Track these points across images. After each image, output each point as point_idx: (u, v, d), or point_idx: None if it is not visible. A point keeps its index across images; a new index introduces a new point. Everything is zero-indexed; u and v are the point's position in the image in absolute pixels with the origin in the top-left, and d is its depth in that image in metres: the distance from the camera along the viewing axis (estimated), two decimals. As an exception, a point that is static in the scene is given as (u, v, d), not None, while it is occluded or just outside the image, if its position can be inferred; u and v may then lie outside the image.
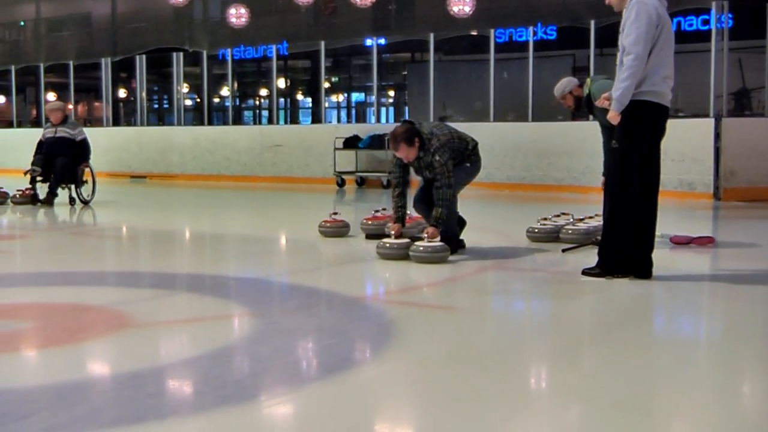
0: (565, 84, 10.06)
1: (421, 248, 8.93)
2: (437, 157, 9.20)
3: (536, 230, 10.19)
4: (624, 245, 7.79)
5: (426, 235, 9.06)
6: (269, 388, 4.90)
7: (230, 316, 6.78)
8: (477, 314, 7.01)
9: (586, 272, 7.97)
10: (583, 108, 10.04)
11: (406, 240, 9.20)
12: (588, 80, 10.03)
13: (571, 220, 10.31)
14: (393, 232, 9.37)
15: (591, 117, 10.20)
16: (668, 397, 4.72)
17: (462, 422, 4.21)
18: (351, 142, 20.63)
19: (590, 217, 10.33)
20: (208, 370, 5.25)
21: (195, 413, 4.48)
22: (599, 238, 9.75)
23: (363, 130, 21.01)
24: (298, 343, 6.06)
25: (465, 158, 9.69)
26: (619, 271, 7.81)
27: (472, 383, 4.93)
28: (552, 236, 10.18)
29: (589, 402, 4.56)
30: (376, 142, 20.01)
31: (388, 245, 9.18)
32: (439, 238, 9.04)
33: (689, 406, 4.54)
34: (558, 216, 10.20)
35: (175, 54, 25.92)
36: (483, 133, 19.05)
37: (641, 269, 7.82)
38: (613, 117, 7.65)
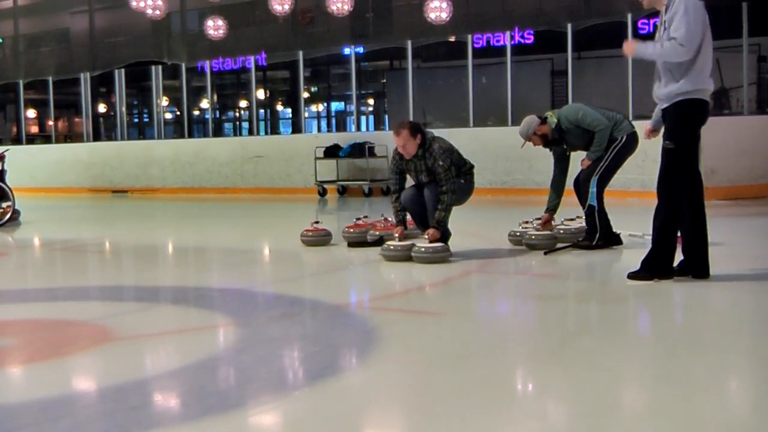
0: (527, 127, 9.96)
1: (423, 249, 9.12)
2: (440, 162, 9.40)
3: (518, 234, 10.16)
4: (673, 247, 7.75)
5: (427, 237, 9.24)
6: (254, 397, 4.89)
7: (214, 327, 6.77)
8: (461, 318, 7.00)
9: (632, 276, 7.78)
10: (554, 140, 9.97)
11: (410, 242, 9.38)
12: (549, 113, 10.04)
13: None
14: (397, 235, 9.57)
15: (559, 149, 10.13)
16: (654, 395, 4.73)
17: (447, 426, 4.21)
18: (331, 151, 20.61)
19: (571, 220, 10.33)
20: (192, 381, 5.24)
21: (179, 424, 4.47)
22: (581, 239, 9.81)
23: (343, 138, 21.00)
24: (282, 352, 6.04)
25: (461, 174, 9.80)
26: (665, 273, 7.75)
27: (457, 387, 4.93)
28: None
29: (574, 402, 4.56)
30: (357, 150, 20.00)
31: (392, 247, 9.38)
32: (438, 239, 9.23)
33: (674, 404, 4.54)
34: (539, 219, 10.18)
35: (153, 67, 25.90)
36: (463, 138, 19.05)
37: (700, 269, 7.76)
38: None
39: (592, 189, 9.67)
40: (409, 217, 10.04)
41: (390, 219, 10.81)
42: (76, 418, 4.65)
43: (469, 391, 4.80)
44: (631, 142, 9.72)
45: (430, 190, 9.60)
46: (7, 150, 16.20)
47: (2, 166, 15.56)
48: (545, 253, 9.52)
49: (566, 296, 7.69)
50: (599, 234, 9.71)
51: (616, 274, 8.15)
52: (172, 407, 4.85)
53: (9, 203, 15.40)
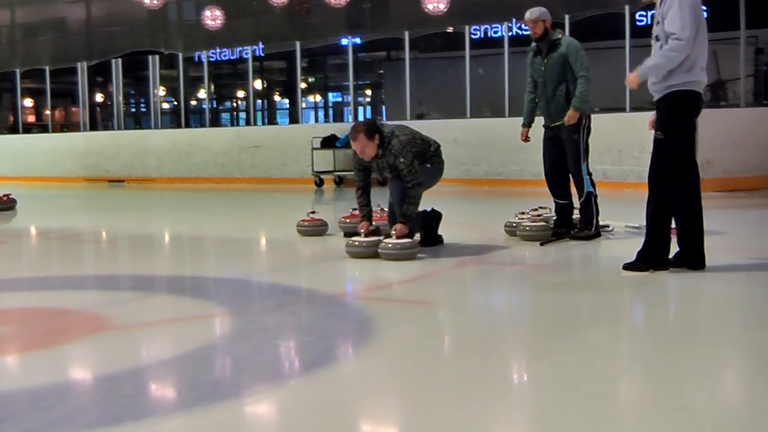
0: (544, 11, 9.90)
1: (390, 245, 8.89)
2: (401, 159, 9.10)
3: (513, 224, 10.14)
4: (667, 237, 7.75)
5: (394, 233, 8.99)
6: (248, 386, 4.87)
7: (209, 316, 6.75)
8: (456, 308, 7.02)
9: (628, 267, 7.81)
10: (547, 44, 9.92)
11: (376, 238, 9.15)
12: (560, 31, 10.02)
13: (547, 213, 10.27)
14: (362, 230, 9.24)
15: (537, 62, 10.13)
16: (648, 387, 4.74)
17: (442, 415, 4.21)
18: (328, 142, 20.60)
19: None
20: (185, 370, 5.23)
21: (172, 413, 4.46)
22: (576, 230, 9.80)
23: (340, 129, 20.97)
24: (277, 341, 6.04)
25: (426, 159, 9.54)
26: (660, 264, 7.75)
27: (451, 377, 4.93)
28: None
29: (567, 394, 4.55)
30: (354, 141, 19.98)
31: (357, 243, 9.13)
32: (406, 234, 8.98)
33: (668, 396, 4.53)
34: (536, 210, 10.15)
35: (150, 57, 25.87)
36: (460, 129, 19.18)
37: (695, 260, 7.75)
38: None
39: (586, 176, 9.68)
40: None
41: (386, 209, 10.80)
42: (69, 406, 4.63)
43: (463, 381, 4.80)
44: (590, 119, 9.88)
45: (396, 184, 9.37)
46: None
47: None
48: (541, 244, 9.51)
49: (561, 287, 7.67)
50: (596, 221, 9.73)
51: (612, 264, 8.12)
52: (166, 396, 4.85)
53: None
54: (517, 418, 4.28)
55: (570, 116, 9.57)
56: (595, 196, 9.71)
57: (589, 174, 9.73)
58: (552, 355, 5.35)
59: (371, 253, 8.99)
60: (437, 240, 9.77)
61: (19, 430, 4.17)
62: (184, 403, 4.57)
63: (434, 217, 9.89)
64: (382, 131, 9.22)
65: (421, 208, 9.50)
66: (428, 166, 9.54)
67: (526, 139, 10.14)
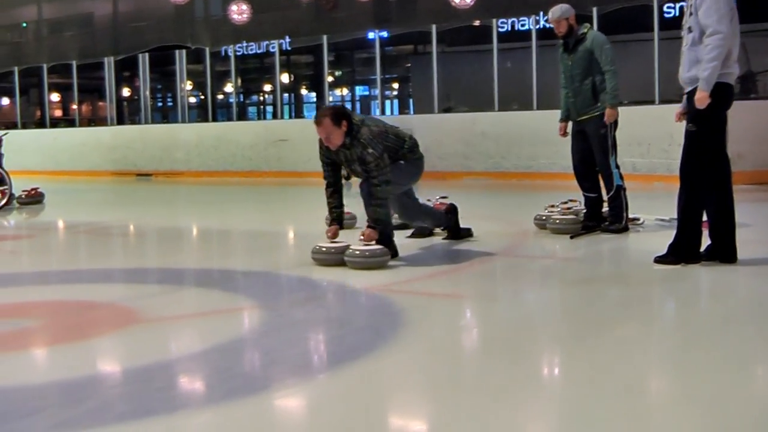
0: (565, 9, 9.91)
1: (357, 252, 8.11)
2: (370, 150, 8.26)
3: (543, 217, 10.09)
4: (699, 231, 7.69)
5: (362, 238, 8.26)
6: (278, 379, 4.86)
7: (238, 310, 6.74)
8: (486, 302, 6.98)
9: (659, 260, 7.76)
10: (574, 40, 9.89)
11: (343, 243, 8.32)
12: (586, 25, 9.98)
13: (577, 206, 10.21)
14: (329, 235, 8.50)
15: (564, 57, 10.10)
16: (679, 381, 4.70)
17: (472, 410, 4.18)
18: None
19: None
20: (216, 363, 5.23)
21: (204, 406, 4.46)
22: (607, 223, 9.76)
23: (368, 123, 20.94)
24: (307, 335, 6.03)
25: (400, 156, 8.74)
26: (692, 258, 7.70)
27: (482, 371, 4.92)
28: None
29: (598, 388, 4.52)
30: (381, 134, 19.95)
31: (324, 249, 8.35)
32: (375, 241, 8.25)
33: (700, 391, 4.50)
34: (565, 203, 10.10)
35: (177, 52, 25.91)
36: (488, 122, 19.14)
37: (727, 254, 7.68)
38: (702, 98, 7.38)
39: (614, 170, 9.65)
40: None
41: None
42: (101, 399, 4.64)
43: (493, 376, 4.78)
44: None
45: (365, 186, 8.52)
46: (6, 134, 16.18)
47: None
48: (571, 237, 9.46)
49: (592, 281, 7.64)
50: (626, 214, 9.69)
51: (642, 258, 8.08)
52: (197, 389, 4.85)
53: (5, 187, 15.38)
54: (548, 414, 4.25)
55: (609, 115, 9.55)
56: (624, 189, 9.68)
57: (618, 167, 9.70)
58: (582, 350, 5.32)
59: (337, 260, 8.20)
60: (463, 233, 9.65)
61: (52, 422, 4.19)
62: (215, 396, 4.56)
63: (450, 210, 9.73)
64: (351, 118, 8.42)
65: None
66: (402, 163, 8.75)
67: (564, 134, 10.08)
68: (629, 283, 7.52)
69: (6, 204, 15.23)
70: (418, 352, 5.37)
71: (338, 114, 8.33)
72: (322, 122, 8.30)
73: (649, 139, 16.47)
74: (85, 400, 4.56)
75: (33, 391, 4.76)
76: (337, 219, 8.69)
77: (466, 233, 9.67)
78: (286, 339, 5.79)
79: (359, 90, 36.97)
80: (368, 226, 8.36)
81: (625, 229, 9.71)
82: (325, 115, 8.31)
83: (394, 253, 8.50)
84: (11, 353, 5.76)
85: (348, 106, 36.57)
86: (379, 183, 8.29)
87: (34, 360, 5.67)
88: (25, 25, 33.91)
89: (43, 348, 5.95)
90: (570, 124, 9.99)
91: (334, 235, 8.47)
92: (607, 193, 9.74)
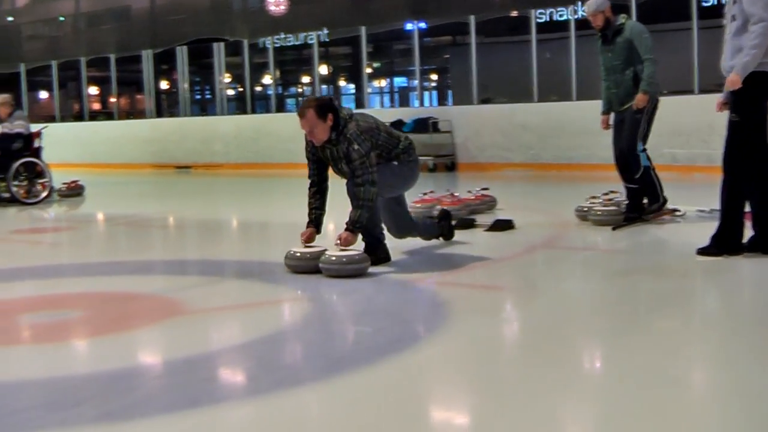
0: (600, 2, 9.86)
1: (334, 259, 7.41)
2: (355, 146, 7.58)
3: (585, 209, 10.03)
4: (741, 222, 7.63)
5: (338, 242, 7.55)
6: (321, 371, 4.84)
7: (280, 302, 6.76)
8: (528, 294, 6.96)
9: (701, 252, 7.67)
10: (612, 31, 9.84)
11: (318, 249, 7.65)
12: (623, 15, 9.93)
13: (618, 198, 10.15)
14: (303, 238, 7.85)
15: (604, 49, 10.01)
16: (723, 373, 4.67)
17: (514, 402, 4.18)
18: (395, 127, 20.47)
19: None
20: (260, 354, 5.25)
21: (248, 397, 4.48)
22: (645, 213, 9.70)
23: (407, 114, 20.92)
24: (349, 327, 6.03)
25: (393, 158, 8.04)
26: (734, 249, 7.64)
27: (524, 363, 4.91)
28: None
29: (642, 381, 4.48)
30: (421, 126, 19.91)
31: (298, 255, 7.71)
32: (354, 245, 7.61)
33: (743, 382, 4.46)
34: (607, 194, 10.04)
35: (215, 44, 25.96)
36: (527, 113, 19.08)
37: None
38: (734, 81, 7.32)
39: (640, 152, 9.61)
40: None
41: (457, 194, 10.76)
42: (146, 390, 4.66)
43: (535, 368, 4.78)
44: (657, 102, 9.72)
45: (350, 183, 7.81)
46: (45, 127, 16.25)
47: (39, 143, 15.61)
48: (613, 229, 9.40)
49: (634, 273, 7.59)
50: (660, 189, 9.66)
51: (684, 250, 8.02)
52: (242, 380, 4.87)
53: (46, 180, 15.47)
54: (590, 406, 4.24)
55: (640, 99, 9.47)
56: (653, 169, 9.64)
57: (644, 150, 9.65)
58: (624, 343, 5.28)
59: (311, 267, 7.53)
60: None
61: (98, 412, 4.21)
62: (259, 388, 4.57)
63: (443, 217, 9.09)
64: (338, 111, 7.71)
65: None
66: (395, 164, 8.03)
67: (607, 126, 10.01)
68: (671, 275, 7.46)
69: (46, 197, 15.32)
70: (460, 344, 5.37)
71: (324, 106, 7.65)
72: (306, 114, 7.64)
73: (689, 129, 16.35)
74: (131, 390, 4.58)
75: (79, 381, 4.80)
76: (315, 221, 8.00)
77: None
78: (329, 331, 5.81)
79: (398, 81, 37.03)
80: (346, 229, 7.61)
81: (664, 203, 9.73)
82: (309, 107, 7.64)
83: (384, 258, 7.98)
84: (56, 344, 5.81)
85: (386, 97, 36.61)
86: (362, 183, 7.59)
87: (78, 351, 5.71)
88: (62, 18, 34.11)
89: (87, 339, 5.98)
90: (612, 115, 9.93)
91: (309, 239, 7.84)
92: (634, 175, 9.67)
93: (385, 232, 8.20)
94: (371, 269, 7.50)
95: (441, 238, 8.93)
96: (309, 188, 8.13)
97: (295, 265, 7.64)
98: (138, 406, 4.32)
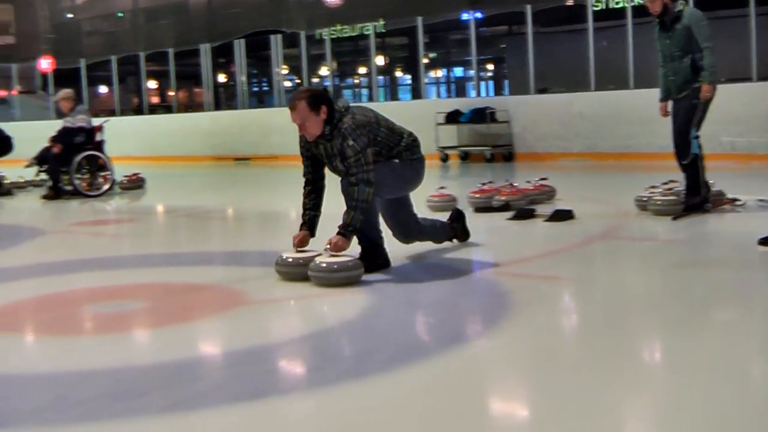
0: None
1: (324, 266, 6.79)
2: (350, 142, 7.01)
3: (644, 198, 9.96)
4: None
5: (328, 247, 6.94)
6: (387, 362, 4.88)
7: (344, 292, 6.73)
8: (589, 285, 6.94)
9: (763, 242, 7.57)
10: (670, 17, 9.76)
11: (311, 254, 7.06)
12: (681, 2, 9.83)
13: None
14: (295, 243, 7.28)
15: (662, 36, 9.92)
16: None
17: (576, 394, 4.17)
18: (452, 117, 20.49)
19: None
20: (324, 345, 5.28)
21: (313, 388, 4.50)
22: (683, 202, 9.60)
23: (464, 104, 20.90)
24: (414, 317, 6.05)
25: (394, 155, 7.43)
26: None
27: (585, 355, 4.90)
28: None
29: (701, 373, 4.46)
30: (478, 116, 19.90)
31: (290, 260, 7.11)
32: (346, 251, 6.99)
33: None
34: (666, 184, 9.96)
35: (273, 36, 26.04)
36: (584, 102, 18.99)
37: None
38: None
39: (693, 139, 9.49)
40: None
41: (516, 184, 10.74)
42: (211, 380, 4.71)
43: (595, 360, 4.77)
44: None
45: (344, 181, 7.29)
46: (107, 121, 16.40)
47: (101, 136, 15.76)
48: (673, 219, 9.34)
49: (694, 263, 7.55)
50: (703, 183, 9.55)
51: (745, 240, 7.94)
52: (306, 371, 4.87)
53: (107, 173, 15.64)
54: (652, 399, 4.22)
55: (705, 91, 9.41)
56: (702, 159, 9.55)
57: (697, 137, 9.56)
58: (685, 335, 5.24)
59: (302, 274, 6.92)
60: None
61: (164, 402, 4.26)
62: (324, 379, 4.58)
63: (454, 218, 8.49)
64: (332, 104, 7.13)
65: None
66: (395, 162, 7.42)
67: (666, 113, 9.93)
68: (732, 266, 7.38)
69: (108, 189, 15.47)
70: (523, 335, 5.37)
71: (316, 97, 7.07)
72: (297, 106, 7.05)
73: (747, 117, 16.21)
74: (195, 381, 4.63)
75: (144, 371, 4.85)
76: (309, 223, 7.42)
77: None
78: (393, 321, 5.82)
79: (455, 71, 37.00)
80: (338, 233, 7.03)
81: (705, 201, 9.60)
82: (301, 98, 7.06)
83: (383, 264, 7.34)
84: (120, 335, 5.89)
85: (442, 88, 36.55)
86: (357, 181, 7.02)
87: (142, 341, 5.78)
88: (121, 14, 34.42)
89: (150, 330, 6.04)
90: (670, 103, 9.86)
91: (301, 243, 7.26)
92: (682, 161, 9.57)
93: (384, 235, 7.52)
94: (375, 276, 7.03)
95: (455, 240, 8.38)
96: (304, 187, 7.54)
97: (285, 272, 7.06)
98: (203, 397, 4.36)
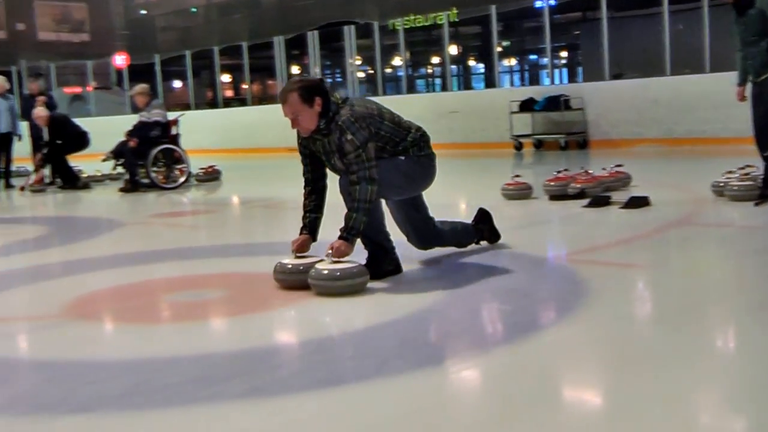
0: None
1: (325, 273, 6.25)
2: (349, 136, 6.37)
3: (721, 184, 9.87)
4: None
5: (330, 253, 6.36)
6: (463, 350, 4.91)
7: (418, 281, 6.76)
8: (665, 272, 6.92)
9: None
10: (740, 6, 9.65)
11: (312, 260, 6.54)
12: None
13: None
14: (294, 248, 6.71)
15: (738, 20, 9.78)
16: None
17: (652, 381, 4.16)
18: (526, 105, 20.43)
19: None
20: (403, 334, 5.29)
21: (394, 375, 4.50)
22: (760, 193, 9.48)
23: (538, 92, 20.83)
24: (490, 305, 6.05)
25: (400, 152, 6.79)
26: None
27: (661, 342, 4.87)
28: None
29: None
30: (552, 103, 19.83)
31: (290, 267, 6.59)
32: (349, 256, 6.43)
33: None
34: (743, 168, 9.85)
35: (346, 27, 26.11)
36: (660, 88, 18.85)
37: None
38: None
39: None
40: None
41: (591, 171, 10.70)
42: (293, 366, 4.79)
43: (671, 347, 4.74)
44: None
45: (344, 179, 6.70)
46: (182, 115, 16.59)
47: (176, 130, 15.94)
48: (755, 204, 9.23)
49: (773, 249, 7.50)
50: None
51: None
52: (387, 359, 4.82)
53: (184, 165, 15.84)
54: (727, 389, 4.19)
55: None
56: None
57: None
58: (764, 322, 5.20)
59: (301, 281, 6.39)
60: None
61: (247, 387, 4.32)
62: (404, 366, 4.61)
63: (480, 220, 8.00)
64: (328, 95, 6.51)
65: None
66: (401, 159, 6.80)
67: (743, 98, 9.82)
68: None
69: (184, 182, 15.66)
70: (602, 322, 5.36)
71: (310, 88, 6.45)
72: (288, 99, 6.46)
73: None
74: (276, 367, 4.70)
75: (225, 357, 4.94)
76: (310, 227, 6.87)
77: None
78: (470, 310, 5.84)
79: (528, 59, 36.87)
80: (339, 237, 6.45)
81: None
82: (292, 90, 6.46)
83: (393, 270, 6.86)
84: (200, 322, 5.99)
85: (516, 76, 36.37)
86: (358, 180, 6.43)
87: (222, 329, 5.87)
88: (194, 10, 34.72)
89: (230, 318, 6.11)
90: (748, 87, 9.76)
91: (301, 248, 6.70)
92: (765, 152, 9.45)
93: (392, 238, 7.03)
94: (379, 283, 6.58)
95: (483, 242, 7.88)
96: (304, 187, 6.97)
97: (283, 279, 6.56)
98: (285, 382, 4.43)
